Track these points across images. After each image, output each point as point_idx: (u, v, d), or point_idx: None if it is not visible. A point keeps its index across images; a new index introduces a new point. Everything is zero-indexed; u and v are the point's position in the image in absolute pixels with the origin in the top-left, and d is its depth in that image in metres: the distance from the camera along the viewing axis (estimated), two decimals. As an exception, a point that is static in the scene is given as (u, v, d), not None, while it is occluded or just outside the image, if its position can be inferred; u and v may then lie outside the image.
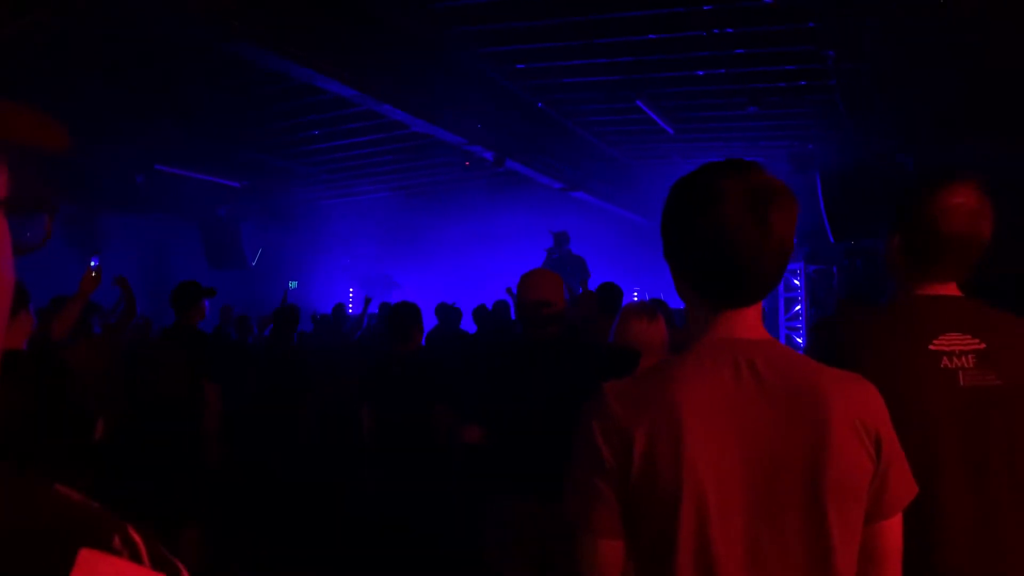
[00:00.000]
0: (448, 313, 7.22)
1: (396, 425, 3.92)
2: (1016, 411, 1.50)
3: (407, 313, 4.12)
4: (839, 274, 9.85)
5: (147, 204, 10.25)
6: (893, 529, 1.17)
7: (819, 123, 7.62)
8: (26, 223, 0.54)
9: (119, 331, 4.79)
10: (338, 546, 4.56)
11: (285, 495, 4.94)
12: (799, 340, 10.13)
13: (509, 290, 6.31)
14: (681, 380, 1.15)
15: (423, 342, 4.54)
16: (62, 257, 7.92)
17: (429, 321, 5.41)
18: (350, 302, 12.57)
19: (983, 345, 1.52)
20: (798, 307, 10.21)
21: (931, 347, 1.52)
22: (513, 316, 6.87)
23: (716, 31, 5.69)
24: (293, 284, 12.66)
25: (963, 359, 1.51)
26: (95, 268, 3.88)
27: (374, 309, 8.95)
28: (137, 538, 0.49)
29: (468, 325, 7.57)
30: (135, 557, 0.48)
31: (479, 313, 7.13)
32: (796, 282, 10.25)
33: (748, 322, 1.20)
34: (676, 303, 4.91)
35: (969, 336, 1.53)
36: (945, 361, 1.51)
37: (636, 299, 9.11)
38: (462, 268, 12.28)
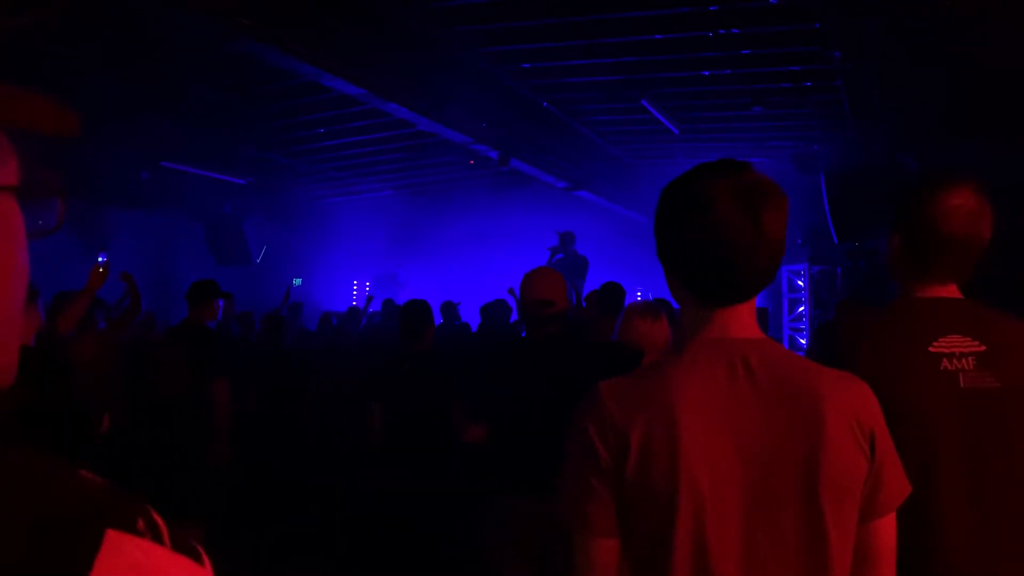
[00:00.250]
0: (452, 311, 7.23)
1: (406, 424, 3.86)
2: (1016, 413, 1.50)
3: (419, 312, 4.09)
4: (842, 275, 9.84)
5: (152, 200, 10.28)
6: (887, 528, 1.17)
7: (823, 124, 7.61)
8: (38, 208, 0.55)
9: (123, 326, 4.81)
10: (339, 545, 4.57)
11: (286, 494, 4.95)
12: (802, 341, 10.12)
13: (511, 290, 6.31)
14: (676, 379, 1.15)
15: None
16: (67, 253, 7.94)
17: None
18: (354, 298, 12.59)
19: (984, 347, 1.52)
20: (801, 308, 10.20)
21: (931, 349, 1.53)
22: (514, 316, 6.88)
23: (722, 31, 5.69)
24: (297, 281, 12.68)
25: (963, 361, 1.51)
26: (103, 264, 3.90)
27: (375, 307, 8.97)
28: (159, 520, 0.50)
29: (472, 320, 7.56)
30: (157, 539, 0.49)
31: (486, 310, 7.12)
32: (799, 283, 10.23)
33: (742, 321, 1.20)
34: (679, 303, 4.89)
35: (970, 338, 1.53)
36: (945, 363, 1.52)
37: (639, 299, 9.11)
38: (465, 266, 12.29)
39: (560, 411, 1.22)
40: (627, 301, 4.27)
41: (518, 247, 10.80)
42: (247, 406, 5.05)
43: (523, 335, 3.99)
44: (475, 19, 5.77)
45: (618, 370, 1.24)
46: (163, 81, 6.59)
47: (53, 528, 0.44)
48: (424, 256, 12.78)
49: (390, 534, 3.79)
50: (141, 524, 0.48)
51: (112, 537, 0.46)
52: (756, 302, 1.24)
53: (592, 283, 8.55)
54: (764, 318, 8.92)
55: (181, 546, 0.50)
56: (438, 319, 7.11)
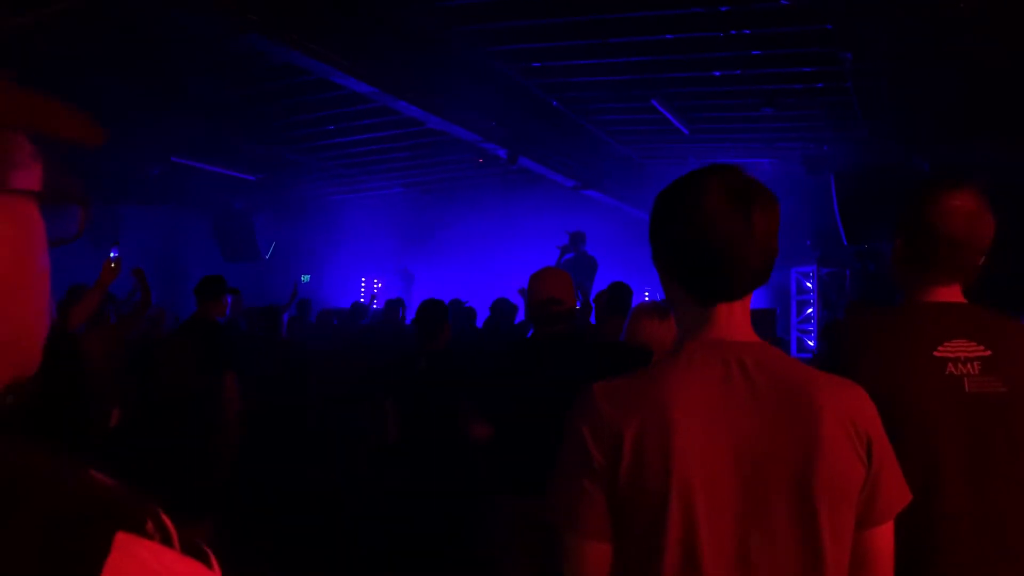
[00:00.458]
0: (462, 310, 7.22)
1: (421, 423, 3.83)
2: (1021, 418, 1.50)
3: (435, 310, 4.07)
4: (852, 277, 9.79)
5: (163, 196, 10.33)
6: (884, 536, 1.16)
7: (834, 125, 7.59)
8: (59, 215, 0.56)
9: (134, 321, 4.83)
10: (341, 545, 4.58)
11: (291, 492, 4.94)
12: (810, 343, 10.08)
13: (522, 291, 6.32)
14: (671, 380, 1.15)
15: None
16: (78, 247, 7.97)
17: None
18: (362, 295, 12.61)
19: (989, 352, 1.52)
20: (810, 310, 10.16)
21: (936, 353, 1.53)
22: (519, 317, 6.87)
23: (733, 32, 5.67)
24: (306, 278, 12.72)
25: (969, 366, 1.51)
26: (115, 259, 3.91)
27: (379, 305, 8.99)
28: (169, 523, 0.50)
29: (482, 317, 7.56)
30: (166, 541, 0.49)
31: (495, 306, 7.11)
32: (808, 285, 10.19)
33: (738, 324, 1.20)
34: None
35: (975, 343, 1.53)
36: (951, 367, 1.52)
37: (647, 299, 9.09)
38: (474, 265, 12.29)
39: (564, 412, 1.22)
40: (635, 301, 4.26)
41: (526, 246, 10.80)
42: (248, 405, 5.06)
43: (529, 334, 3.98)
44: (485, 18, 5.78)
45: (625, 371, 1.24)
46: (174, 77, 6.61)
47: (63, 530, 0.44)
48: (432, 254, 12.79)
49: (393, 534, 3.78)
50: (151, 526, 0.48)
51: (122, 540, 0.46)
52: (764, 304, 1.24)
53: (600, 283, 8.54)
54: (772, 320, 8.89)
55: (190, 549, 0.50)
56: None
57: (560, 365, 3.03)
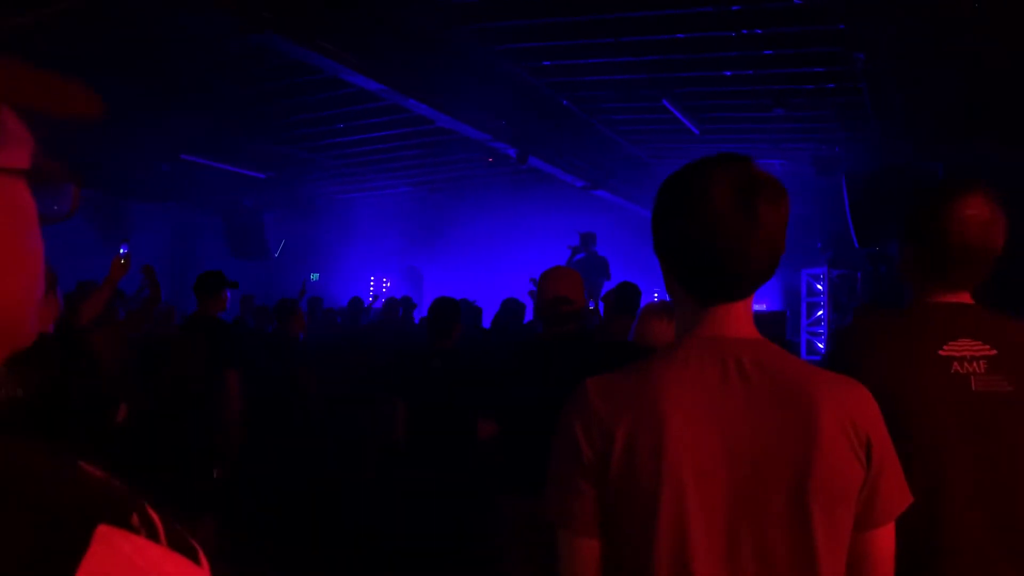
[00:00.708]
0: (469, 309, 7.21)
1: (432, 421, 3.79)
2: None
3: (448, 309, 4.06)
4: (862, 279, 9.74)
5: (172, 193, 10.38)
6: (884, 538, 1.13)
7: (846, 126, 7.55)
8: (52, 194, 0.54)
9: (143, 318, 4.84)
10: (342, 545, 4.57)
11: (293, 490, 4.94)
12: (820, 345, 10.04)
13: (533, 280, 6.30)
14: (665, 377, 1.13)
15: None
16: (88, 244, 8.04)
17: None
18: (371, 293, 12.63)
19: (995, 351, 1.51)
20: (820, 312, 10.11)
21: (942, 352, 1.51)
22: (528, 316, 6.86)
23: (744, 31, 5.65)
24: (315, 276, 12.76)
25: (974, 364, 1.50)
26: (124, 255, 3.92)
27: (379, 304, 9.01)
28: (155, 517, 0.49)
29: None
30: (152, 536, 0.47)
31: (507, 306, 7.10)
32: (819, 287, 10.14)
33: (738, 320, 1.17)
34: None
35: (980, 342, 1.52)
36: (956, 366, 1.50)
37: (656, 299, 9.07)
38: (483, 264, 12.30)
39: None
40: (643, 301, 4.24)
41: (536, 245, 10.80)
42: (251, 403, 5.06)
43: (538, 333, 3.97)
44: (494, 16, 5.77)
45: None
46: (185, 74, 6.64)
47: (42, 522, 0.43)
48: (441, 253, 12.81)
49: (396, 534, 3.77)
50: (136, 520, 0.47)
51: (104, 532, 0.44)
52: (775, 306, 1.22)
53: (608, 283, 8.52)
54: (782, 322, 8.85)
55: (177, 544, 0.49)
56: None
57: (566, 365, 3.02)
